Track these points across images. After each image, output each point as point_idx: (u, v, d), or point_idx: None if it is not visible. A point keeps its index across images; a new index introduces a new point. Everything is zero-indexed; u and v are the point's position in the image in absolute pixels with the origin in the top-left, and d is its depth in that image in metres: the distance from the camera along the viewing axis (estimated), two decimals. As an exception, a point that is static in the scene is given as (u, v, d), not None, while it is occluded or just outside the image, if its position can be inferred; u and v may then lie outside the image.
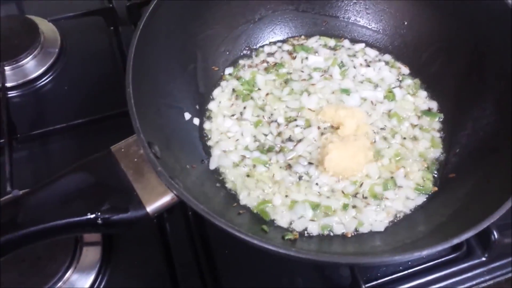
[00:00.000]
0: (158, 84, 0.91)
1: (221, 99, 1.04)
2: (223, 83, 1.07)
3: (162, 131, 0.86)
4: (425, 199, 0.91)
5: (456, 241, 0.64)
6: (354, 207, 0.89)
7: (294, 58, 1.11)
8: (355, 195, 0.91)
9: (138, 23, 0.85)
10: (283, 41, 1.14)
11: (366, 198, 0.90)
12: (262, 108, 1.03)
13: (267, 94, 1.05)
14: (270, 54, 1.12)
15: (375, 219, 0.88)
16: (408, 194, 0.91)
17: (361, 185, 0.91)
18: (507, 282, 0.91)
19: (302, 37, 1.14)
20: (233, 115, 1.02)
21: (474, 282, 0.90)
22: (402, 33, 1.09)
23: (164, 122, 0.89)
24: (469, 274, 0.91)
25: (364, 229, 0.86)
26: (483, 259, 0.92)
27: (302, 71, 1.09)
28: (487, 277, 0.91)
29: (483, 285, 0.91)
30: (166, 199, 0.73)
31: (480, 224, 0.64)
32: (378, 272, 0.90)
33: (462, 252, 0.92)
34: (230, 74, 1.08)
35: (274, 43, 1.14)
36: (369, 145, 0.95)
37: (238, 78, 1.07)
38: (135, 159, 0.75)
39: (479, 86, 0.94)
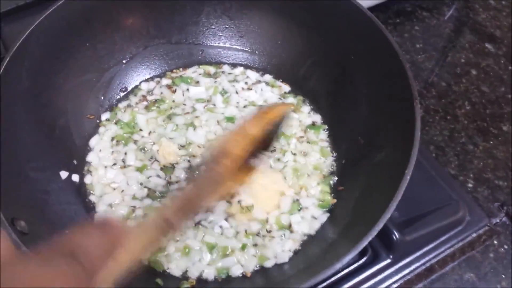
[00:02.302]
0: (23, 148, 0.84)
1: (100, 148, 0.98)
2: (101, 130, 1.01)
3: (33, 199, 0.79)
4: (328, 215, 0.91)
5: (338, 265, 0.63)
6: (255, 245, 0.86)
7: (174, 91, 1.07)
8: (257, 234, 0.88)
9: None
10: (161, 76, 1.10)
11: (270, 232, 0.88)
12: (145, 149, 0.98)
13: (150, 133, 1.00)
14: (149, 92, 1.08)
15: (282, 249, 0.86)
16: (313, 213, 0.91)
17: (267, 220, 0.89)
18: (417, 278, 0.93)
19: (181, 69, 1.11)
20: (114, 164, 0.96)
21: (385, 284, 0.91)
22: (277, 53, 1.10)
23: (34, 188, 0.82)
24: (379, 277, 0.91)
25: (268, 264, 0.84)
26: (389, 260, 0.92)
27: (185, 104, 1.06)
28: (397, 277, 0.91)
29: (394, 285, 0.91)
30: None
31: (359, 244, 0.64)
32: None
33: (368, 257, 0.92)
34: (107, 120, 1.02)
35: (152, 79, 1.10)
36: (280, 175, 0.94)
37: (117, 122, 1.02)
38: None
39: (353, 94, 0.97)
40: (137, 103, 1.06)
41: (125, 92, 1.07)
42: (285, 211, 0.90)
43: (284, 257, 0.85)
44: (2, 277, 0.33)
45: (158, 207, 0.79)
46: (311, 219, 0.90)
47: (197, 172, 0.90)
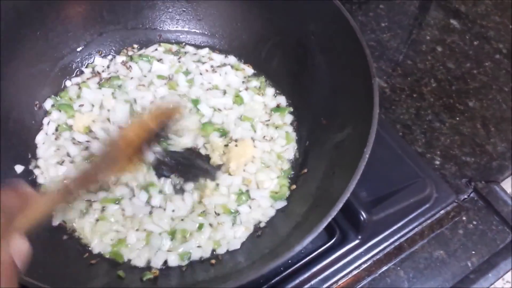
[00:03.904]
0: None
1: (45, 145, 0.93)
2: (44, 121, 0.96)
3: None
4: (285, 203, 0.89)
5: (298, 248, 0.62)
6: (210, 225, 0.85)
7: (129, 68, 1.04)
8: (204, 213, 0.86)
9: None
10: (116, 53, 1.06)
11: (219, 215, 0.86)
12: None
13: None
14: (103, 68, 1.04)
15: (233, 236, 0.84)
16: (265, 204, 0.89)
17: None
18: (386, 258, 0.92)
19: (137, 46, 1.07)
20: (62, 162, 0.91)
21: (355, 265, 0.90)
22: (237, 35, 1.07)
23: None
24: (348, 258, 0.90)
25: (221, 250, 0.83)
26: (357, 241, 0.91)
27: (143, 77, 1.03)
28: (366, 257, 0.91)
29: (364, 266, 0.91)
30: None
31: (320, 224, 0.63)
32: (261, 279, 0.87)
33: (337, 238, 0.91)
34: (53, 106, 0.97)
35: (105, 56, 1.06)
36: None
37: (59, 106, 0.96)
38: None
39: (314, 74, 0.95)
40: (88, 78, 1.01)
41: (78, 73, 1.03)
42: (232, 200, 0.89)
43: (236, 244, 0.84)
44: None
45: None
46: (264, 208, 0.89)
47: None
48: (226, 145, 0.94)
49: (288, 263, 0.88)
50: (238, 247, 0.83)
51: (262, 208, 0.88)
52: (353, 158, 0.73)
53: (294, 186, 0.91)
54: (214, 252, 0.83)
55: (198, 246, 0.83)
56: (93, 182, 0.72)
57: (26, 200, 0.53)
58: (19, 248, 0.48)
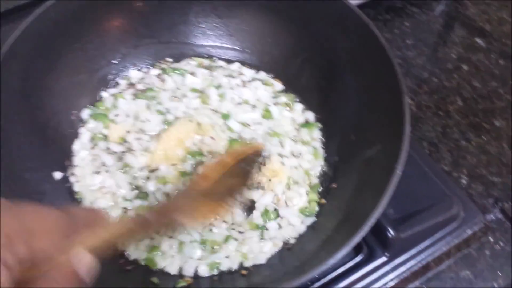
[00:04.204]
0: (17, 149, 0.84)
1: (82, 154, 0.95)
2: (81, 130, 0.98)
3: (28, 201, 0.76)
4: (314, 219, 0.90)
5: (331, 261, 0.63)
6: (235, 239, 0.86)
7: (163, 80, 1.06)
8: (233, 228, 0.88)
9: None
10: (150, 66, 1.10)
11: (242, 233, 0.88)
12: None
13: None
14: (139, 81, 1.07)
15: (260, 250, 0.85)
16: (295, 221, 0.90)
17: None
18: (413, 276, 0.93)
19: (171, 59, 1.10)
20: (98, 171, 0.93)
21: (381, 282, 0.90)
22: (268, 51, 1.09)
23: (29, 189, 0.82)
24: (375, 275, 0.90)
25: (247, 263, 0.84)
26: (385, 258, 0.91)
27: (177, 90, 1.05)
28: (393, 275, 0.91)
29: (391, 283, 0.91)
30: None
31: (353, 239, 0.64)
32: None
33: (364, 255, 0.92)
34: (90, 116, 1.00)
35: (139, 69, 1.09)
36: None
37: (96, 117, 1.00)
38: None
39: (343, 90, 0.97)
40: (123, 90, 1.04)
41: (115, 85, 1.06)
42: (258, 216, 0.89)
43: (261, 259, 0.85)
44: None
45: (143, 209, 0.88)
46: (292, 226, 0.89)
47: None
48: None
49: (315, 277, 0.89)
50: (263, 262, 0.84)
51: (292, 226, 0.89)
52: (383, 175, 0.74)
53: (323, 201, 0.92)
54: (242, 265, 0.84)
55: (226, 257, 0.84)
56: (171, 222, 0.71)
57: (97, 220, 0.56)
58: (83, 259, 0.49)
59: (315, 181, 0.95)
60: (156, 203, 0.88)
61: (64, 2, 0.91)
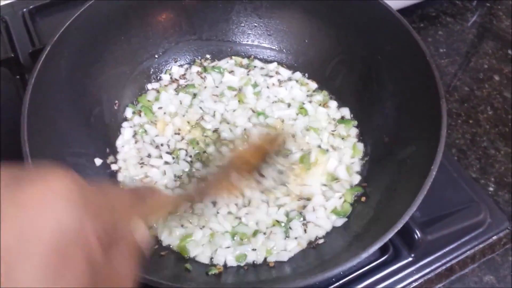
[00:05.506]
0: (62, 134, 0.88)
1: (126, 148, 0.99)
2: (125, 124, 1.03)
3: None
4: (346, 219, 0.92)
5: (364, 254, 0.65)
6: (264, 233, 0.89)
7: (204, 78, 1.10)
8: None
9: (31, 74, 0.81)
10: (190, 63, 1.14)
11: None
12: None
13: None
14: (180, 76, 1.11)
15: (284, 247, 0.87)
16: (324, 223, 0.91)
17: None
18: (437, 278, 0.94)
19: (210, 57, 1.14)
20: (142, 163, 0.97)
21: (405, 283, 0.92)
22: (304, 51, 1.11)
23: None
24: (400, 275, 0.92)
25: (271, 259, 0.86)
26: (410, 259, 0.93)
27: (216, 88, 1.09)
28: (417, 276, 0.92)
29: (415, 284, 0.93)
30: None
31: (382, 239, 0.66)
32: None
33: (390, 255, 0.94)
34: (134, 113, 1.05)
35: (181, 65, 1.13)
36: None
37: (142, 108, 1.04)
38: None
39: (378, 93, 0.99)
40: (166, 85, 1.09)
41: (155, 81, 1.11)
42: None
43: (284, 257, 0.86)
44: None
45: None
46: (320, 227, 0.91)
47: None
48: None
49: (340, 274, 0.91)
50: (286, 260, 0.86)
51: (320, 227, 0.91)
52: (416, 177, 0.76)
53: (363, 198, 0.93)
54: (266, 260, 0.87)
55: (253, 249, 0.87)
56: (210, 195, 0.80)
57: (152, 194, 0.61)
58: (143, 232, 0.51)
59: (356, 180, 0.96)
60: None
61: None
